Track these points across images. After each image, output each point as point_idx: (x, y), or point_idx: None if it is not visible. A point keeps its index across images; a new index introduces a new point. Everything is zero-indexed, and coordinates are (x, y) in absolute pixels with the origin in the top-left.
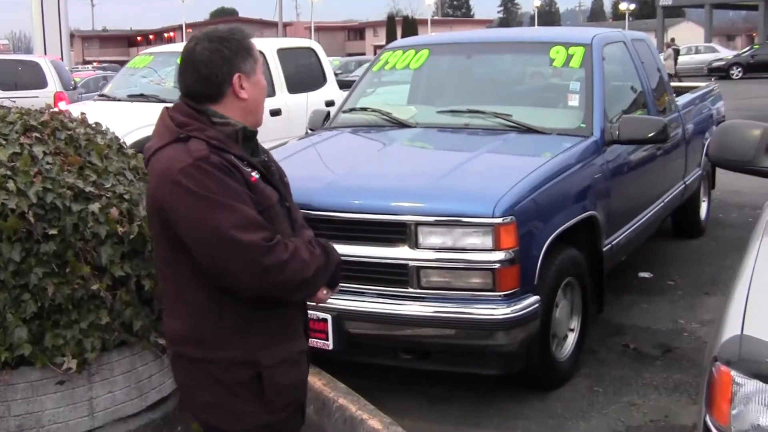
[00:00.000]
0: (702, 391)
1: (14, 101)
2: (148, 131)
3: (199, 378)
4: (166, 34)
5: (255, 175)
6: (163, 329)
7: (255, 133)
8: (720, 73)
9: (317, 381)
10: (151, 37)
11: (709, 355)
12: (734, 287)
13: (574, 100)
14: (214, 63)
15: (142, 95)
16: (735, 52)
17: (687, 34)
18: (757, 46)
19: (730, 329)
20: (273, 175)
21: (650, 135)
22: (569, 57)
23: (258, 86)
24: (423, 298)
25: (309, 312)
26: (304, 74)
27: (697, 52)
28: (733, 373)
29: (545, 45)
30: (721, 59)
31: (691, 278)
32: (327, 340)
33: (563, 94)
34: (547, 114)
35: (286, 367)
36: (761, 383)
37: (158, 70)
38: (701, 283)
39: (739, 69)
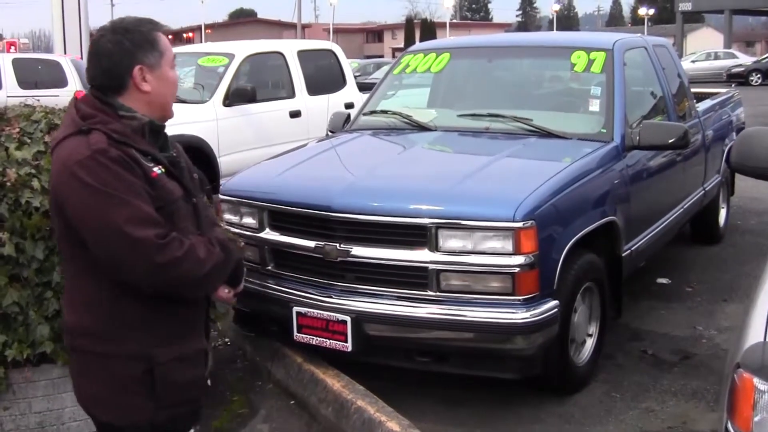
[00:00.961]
0: (723, 398)
1: (38, 100)
2: (170, 131)
3: (92, 370)
4: (185, 35)
5: (157, 170)
6: (62, 321)
7: (161, 127)
8: (739, 79)
9: (336, 383)
10: (170, 37)
11: (731, 362)
12: (756, 294)
13: (594, 105)
14: (115, 55)
15: None
16: (754, 59)
17: (706, 39)
18: None
19: (753, 336)
20: (181, 170)
21: (671, 141)
22: (590, 62)
23: (164, 80)
24: (442, 301)
25: (329, 314)
26: (323, 76)
27: (717, 57)
28: (755, 380)
29: (566, 50)
30: (740, 65)
31: (709, 285)
32: (346, 341)
33: (584, 99)
34: (567, 119)
35: (181, 364)
36: None
37: (177, 70)
38: (720, 289)
39: (759, 75)
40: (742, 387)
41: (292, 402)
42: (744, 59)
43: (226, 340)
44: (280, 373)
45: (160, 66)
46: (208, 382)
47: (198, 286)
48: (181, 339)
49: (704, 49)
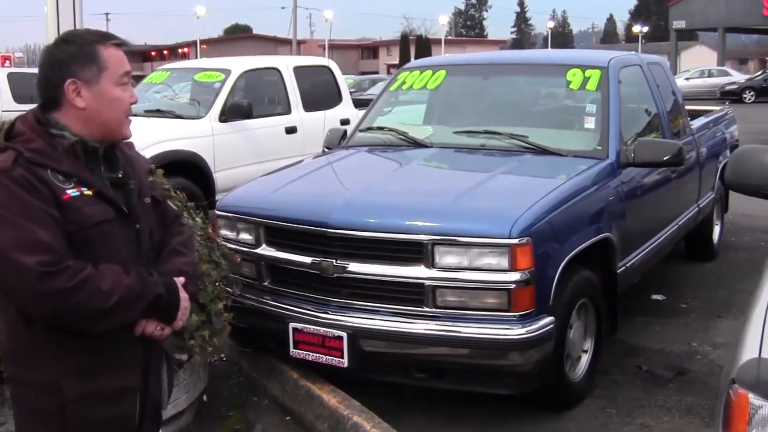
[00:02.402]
0: (718, 414)
1: None
2: (166, 146)
3: (12, 397)
4: (180, 50)
5: (72, 192)
6: None
7: (96, 148)
8: (733, 96)
9: (332, 399)
10: (165, 52)
11: (726, 377)
12: (751, 310)
13: (590, 123)
14: (48, 67)
15: (158, 111)
16: (748, 76)
17: (700, 57)
18: None
19: (748, 352)
20: (128, 194)
21: (665, 158)
22: (586, 79)
23: (102, 98)
24: (438, 317)
25: (325, 330)
26: (319, 92)
27: (710, 75)
28: (750, 395)
29: (562, 67)
30: (733, 83)
31: (704, 301)
32: (342, 357)
33: (579, 116)
34: (563, 136)
35: (95, 401)
36: None
37: (173, 86)
38: (714, 305)
39: (752, 93)
40: (737, 403)
41: (288, 418)
42: (737, 77)
43: (222, 356)
44: (276, 389)
45: (98, 82)
46: (204, 398)
47: (100, 319)
48: (96, 374)
49: (698, 66)
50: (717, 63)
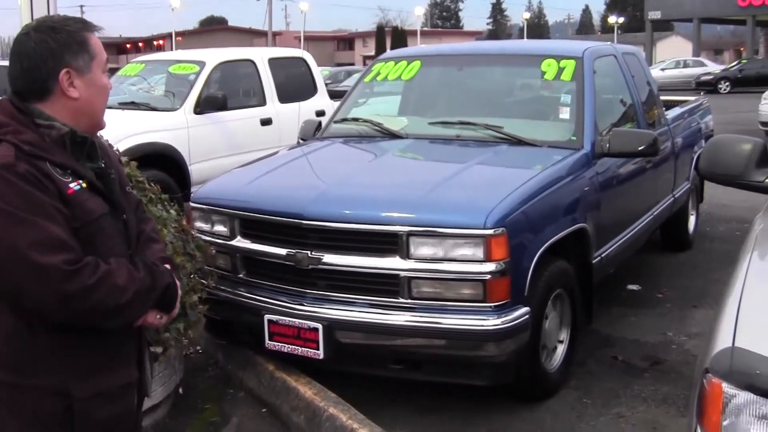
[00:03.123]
0: (692, 403)
1: None
2: (140, 139)
3: (8, 405)
4: (155, 42)
5: (74, 186)
6: None
7: (86, 138)
8: (708, 87)
9: (308, 390)
10: (140, 44)
11: (699, 367)
12: (725, 300)
13: (565, 113)
14: (38, 55)
15: (132, 103)
16: (723, 67)
17: (675, 47)
18: (744, 61)
19: (722, 341)
20: (110, 183)
21: (640, 148)
22: (560, 70)
23: (94, 86)
24: (414, 308)
25: (301, 321)
26: (294, 84)
27: (686, 66)
28: (724, 384)
29: (537, 58)
30: (709, 73)
31: (679, 291)
32: (318, 349)
33: (554, 107)
34: (538, 126)
35: (103, 400)
36: (752, 395)
37: (148, 78)
38: (689, 295)
39: (727, 83)
40: (710, 392)
41: (264, 410)
42: (713, 67)
43: (198, 348)
44: (252, 381)
45: (90, 70)
46: (180, 391)
47: (117, 316)
48: (103, 372)
49: (673, 57)
50: (692, 54)
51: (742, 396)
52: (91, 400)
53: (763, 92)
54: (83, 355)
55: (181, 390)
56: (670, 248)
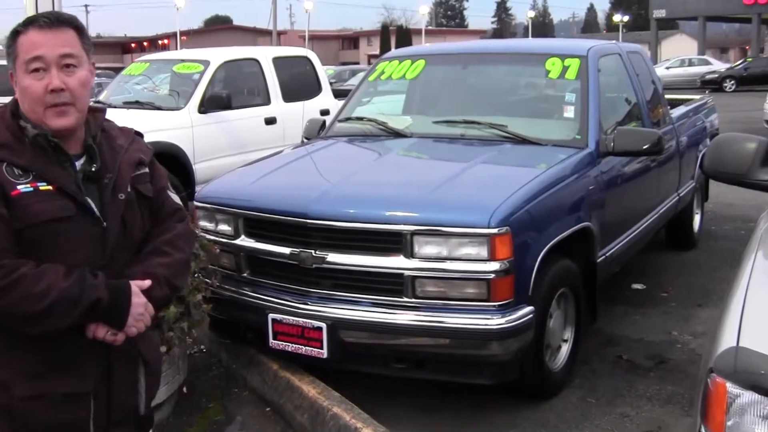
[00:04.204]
0: (697, 403)
1: None
2: (145, 138)
3: None
4: (160, 42)
5: (23, 188)
6: None
7: (56, 143)
8: (713, 85)
9: (312, 389)
10: (145, 44)
11: (704, 366)
12: (729, 299)
13: (569, 112)
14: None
15: (137, 102)
16: (728, 65)
17: (680, 46)
18: (750, 59)
19: (726, 341)
20: (100, 188)
21: (645, 147)
22: (565, 68)
23: (20, 90)
24: (418, 307)
25: (305, 321)
26: (299, 83)
27: (691, 64)
28: (728, 384)
29: (541, 56)
30: (714, 72)
31: (683, 290)
32: (321, 348)
33: (559, 106)
34: (542, 125)
35: (42, 404)
36: (757, 395)
37: (153, 77)
38: (694, 294)
39: (732, 82)
40: (715, 391)
41: (268, 409)
42: (718, 66)
43: (202, 347)
44: (256, 380)
45: (16, 72)
46: (183, 390)
47: (33, 323)
48: (44, 376)
49: (678, 55)
50: (697, 52)
51: (747, 396)
52: (30, 402)
53: None
54: (26, 356)
55: (185, 389)
56: (674, 247)
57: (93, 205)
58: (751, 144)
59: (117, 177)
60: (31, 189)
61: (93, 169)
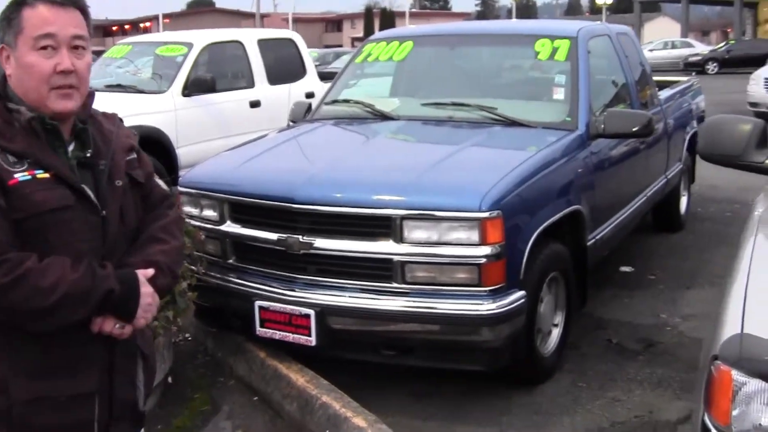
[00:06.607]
0: (699, 390)
1: None
2: (127, 122)
3: None
4: (142, 24)
5: (21, 176)
6: None
7: (54, 125)
8: (696, 68)
9: (300, 378)
10: (126, 27)
11: (706, 353)
12: (730, 285)
13: (559, 94)
14: None
15: (119, 85)
16: (711, 47)
17: (663, 28)
18: (732, 42)
19: (730, 328)
20: (95, 175)
21: (635, 129)
22: (554, 50)
23: (22, 66)
24: (407, 293)
25: (292, 307)
26: (284, 65)
27: (674, 46)
28: (734, 372)
29: (530, 38)
30: (697, 54)
31: (671, 272)
32: (310, 335)
33: (548, 88)
34: (532, 107)
35: (44, 407)
36: (764, 383)
37: (135, 61)
38: (682, 277)
39: (715, 64)
40: (719, 379)
41: (256, 398)
42: (700, 48)
43: (187, 335)
44: (243, 369)
45: (17, 46)
46: (169, 379)
47: (42, 318)
48: (46, 377)
49: (661, 38)
50: (680, 34)
51: (753, 384)
52: (31, 405)
53: (751, 73)
54: (25, 353)
55: (170, 379)
56: (662, 229)
57: (90, 193)
58: (746, 126)
59: (112, 163)
60: (29, 177)
61: (88, 155)
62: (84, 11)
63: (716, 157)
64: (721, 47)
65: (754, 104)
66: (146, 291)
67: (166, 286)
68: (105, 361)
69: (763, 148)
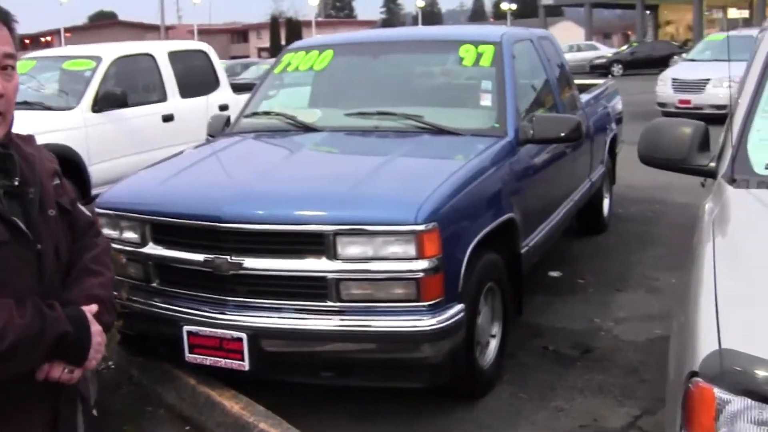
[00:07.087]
0: (674, 409)
1: None
2: (37, 140)
3: None
4: (43, 39)
5: None
6: None
7: None
8: (601, 70)
9: (234, 405)
10: (26, 41)
11: (678, 370)
12: (697, 298)
13: (486, 100)
14: None
15: (25, 102)
16: (614, 50)
17: (566, 32)
18: (635, 44)
19: (707, 344)
20: (25, 206)
21: (564, 133)
22: (479, 55)
23: None
24: (343, 311)
25: (223, 331)
26: (196, 78)
27: (579, 50)
28: (716, 390)
29: (454, 43)
30: (602, 57)
31: (600, 275)
32: (242, 360)
33: (475, 94)
34: (459, 114)
35: None
36: (749, 400)
37: (38, 76)
38: (610, 279)
39: (620, 66)
40: (700, 398)
41: (188, 427)
42: (604, 50)
43: (110, 363)
44: (172, 397)
45: None
46: (94, 412)
47: None
48: None
49: (565, 41)
50: (585, 38)
51: (738, 402)
52: None
53: (655, 74)
54: None
55: (95, 412)
56: (585, 232)
57: (23, 226)
58: (686, 129)
59: (42, 191)
60: None
61: (15, 183)
62: (8, 26)
63: (658, 161)
64: (625, 49)
65: (662, 104)
66: (96, 329)
67: (110, 322)
68: (47, 413)
69: (706, 150)
